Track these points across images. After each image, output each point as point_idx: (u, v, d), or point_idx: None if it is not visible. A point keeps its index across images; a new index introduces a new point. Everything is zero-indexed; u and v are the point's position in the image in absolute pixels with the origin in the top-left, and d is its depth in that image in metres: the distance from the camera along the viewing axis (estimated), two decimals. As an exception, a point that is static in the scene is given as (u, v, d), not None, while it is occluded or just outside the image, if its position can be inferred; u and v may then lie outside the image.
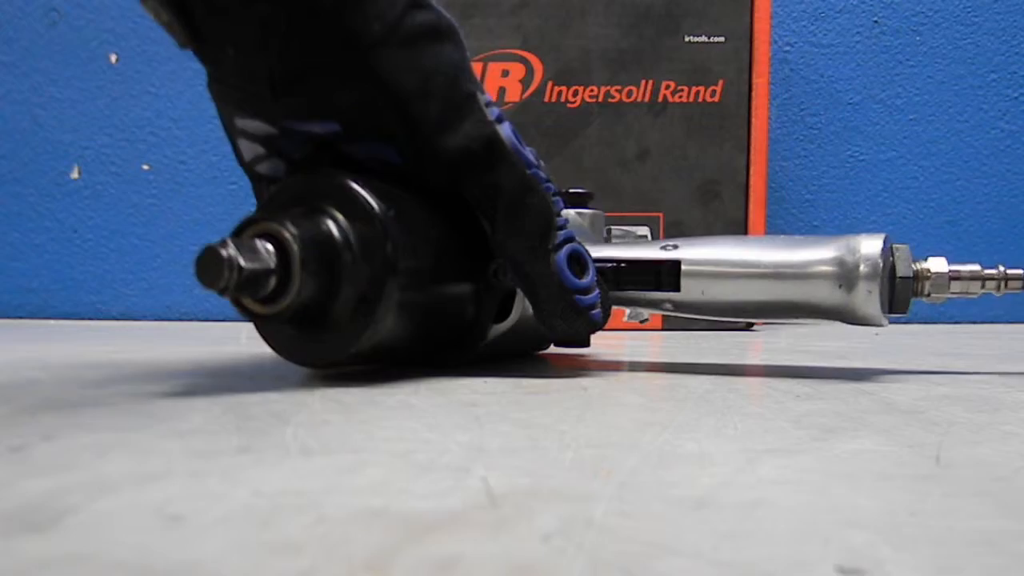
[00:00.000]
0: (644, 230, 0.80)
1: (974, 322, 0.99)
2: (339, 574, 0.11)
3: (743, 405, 0.28)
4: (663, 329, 0.81)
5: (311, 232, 0.29)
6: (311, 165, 0.34)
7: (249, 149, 0.35)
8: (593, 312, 0.33)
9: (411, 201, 0.33)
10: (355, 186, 0.30)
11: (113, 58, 1.03)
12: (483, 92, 0.34)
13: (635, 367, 0.43)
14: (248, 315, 0.29)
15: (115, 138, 1.03)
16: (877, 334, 0.71)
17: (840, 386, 0.32)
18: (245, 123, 0.34)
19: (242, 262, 0.26)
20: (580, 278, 0.33)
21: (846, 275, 0.34)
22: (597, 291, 0.34)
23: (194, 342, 0.60)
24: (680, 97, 0.80)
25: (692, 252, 0.37)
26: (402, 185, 0.34)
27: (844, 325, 0.36)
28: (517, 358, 0.43)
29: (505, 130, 0.34)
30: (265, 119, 0.33)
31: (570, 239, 0.34)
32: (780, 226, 0.99)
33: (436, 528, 0.13)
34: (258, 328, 0.31)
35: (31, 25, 1.03)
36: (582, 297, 0.33)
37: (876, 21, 1.00)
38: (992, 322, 1.00)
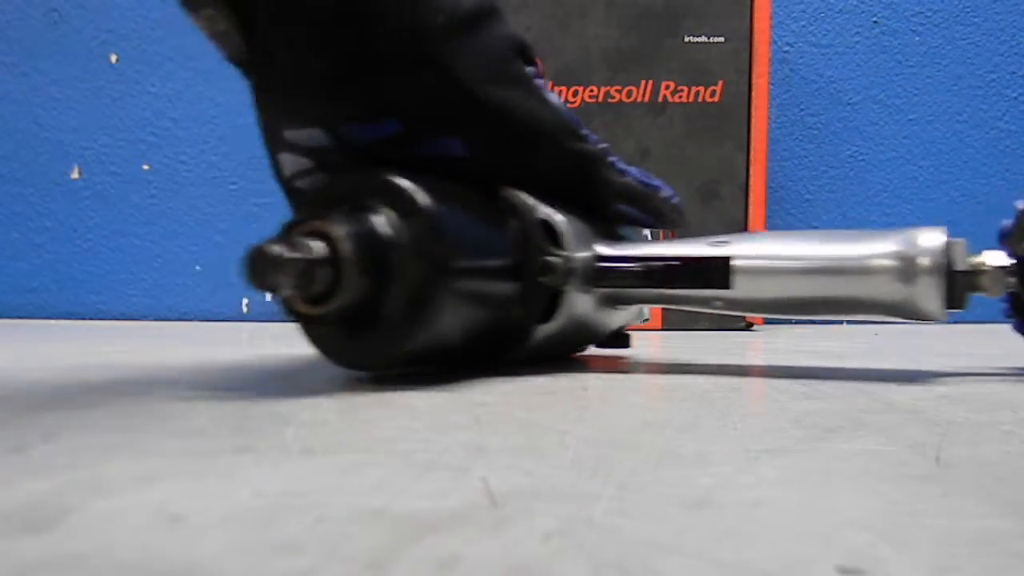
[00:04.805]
0: (645, 230, 0.80)
1: (974, 322, 0.99)
2: (339, 574, 0.11)
3: (743, 405, 0.28)
4: (663, 329, 0.81)
5: (361, 230, 0.28)
6: (355, 166, 0.33)
7: (292, 163, 0.34)
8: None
9: (461, 198, 0.32)
10: (404, 182, 0.29)
11: (113, 58, 1.03)
12: (532, 65, 0.35)
13: (635, 367, 0.43)
14: (298, 317, 0.28)
15: (115, 138, 1.03)
16: (876, 334, 0.71)
17: (840, 386, 0.32)
18: (296, 134, 0.33)
19: (293, 260, 0.25)
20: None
21: (906, 269, 0.33)
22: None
23: (194, 342, 0.60)
24: (680, 97, 0.80)
25: (743, 248, 0.36)
26: (451, 181, 0.33)
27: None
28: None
29: (559, 100, 0.36)
30: (323, 126, 0.32)
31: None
32: (780, 226, 0.99)
33: (436, 528, 0.13)
34: (304, 331, 0.30)
35: (32, 25, 1.03)
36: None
37: (876, 21, 1.00)
38: (992, 322, 1.00)
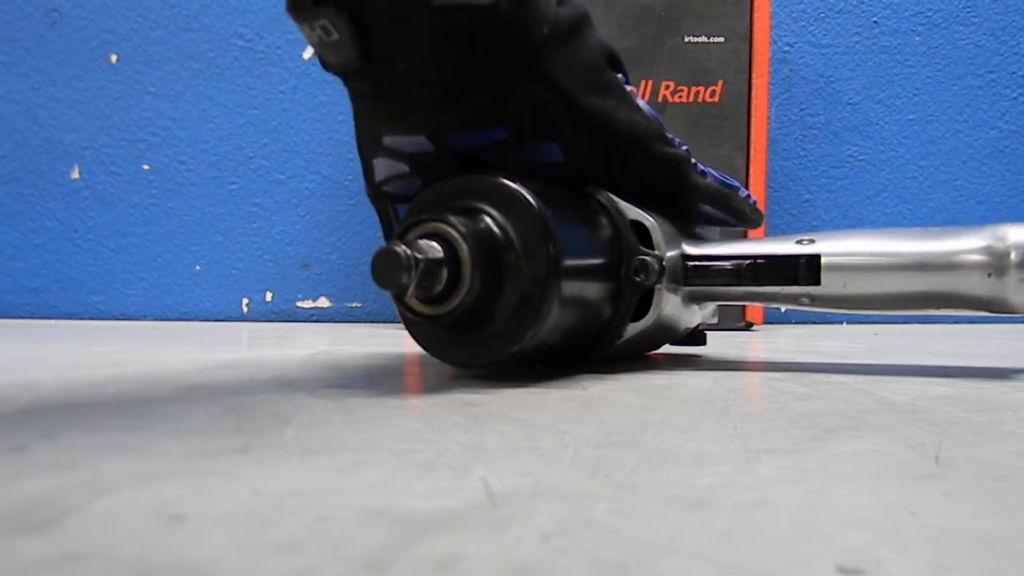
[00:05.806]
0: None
1: (974, 322, 1.00)
2: (339, 574, 0.11)
3: (743, 405, 0.28)
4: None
5: (477, 231, 0.28)
6: (457, 170, 0.33)
7: (386, 168, 0.34)
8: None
9: (562, 200, 0.33)
10: (513, 184, 0.30)
11: (113, 58, 1.03)
12: (620, 72, 0.36)
13: (635, 367, 0.43)
14: (414, 317, 0.29)
15: (115, 138, 1.03)
16: (876, 334, 0.71)
17: (840, 386, 0.32)
18: (397, 140, 0.33)
19: (420, 261, 0.26)
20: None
21: (996, 263, 0.34)
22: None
23: (194, 342, 0.60)
24: (680, 97, 0.80)
25: (831, 246, 0.37)
26: (552, 183, 0.33)
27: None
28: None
29: (648, 106, 0.37)
30: (427, 133, 0.33)
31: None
32: (780, 226, 0.99)
33: (436, 528, 0.13)
34: (414, 329, 0.31)
35: (32, 25, 1.03)
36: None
37: (875, 21, 1.00)
38: (992, 322, 1.00)
